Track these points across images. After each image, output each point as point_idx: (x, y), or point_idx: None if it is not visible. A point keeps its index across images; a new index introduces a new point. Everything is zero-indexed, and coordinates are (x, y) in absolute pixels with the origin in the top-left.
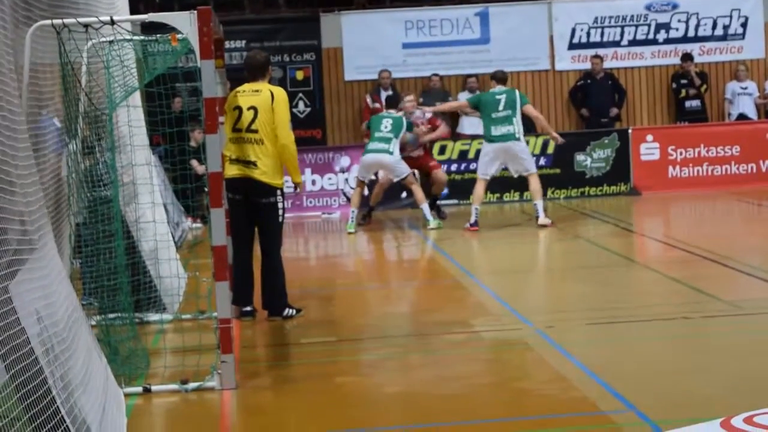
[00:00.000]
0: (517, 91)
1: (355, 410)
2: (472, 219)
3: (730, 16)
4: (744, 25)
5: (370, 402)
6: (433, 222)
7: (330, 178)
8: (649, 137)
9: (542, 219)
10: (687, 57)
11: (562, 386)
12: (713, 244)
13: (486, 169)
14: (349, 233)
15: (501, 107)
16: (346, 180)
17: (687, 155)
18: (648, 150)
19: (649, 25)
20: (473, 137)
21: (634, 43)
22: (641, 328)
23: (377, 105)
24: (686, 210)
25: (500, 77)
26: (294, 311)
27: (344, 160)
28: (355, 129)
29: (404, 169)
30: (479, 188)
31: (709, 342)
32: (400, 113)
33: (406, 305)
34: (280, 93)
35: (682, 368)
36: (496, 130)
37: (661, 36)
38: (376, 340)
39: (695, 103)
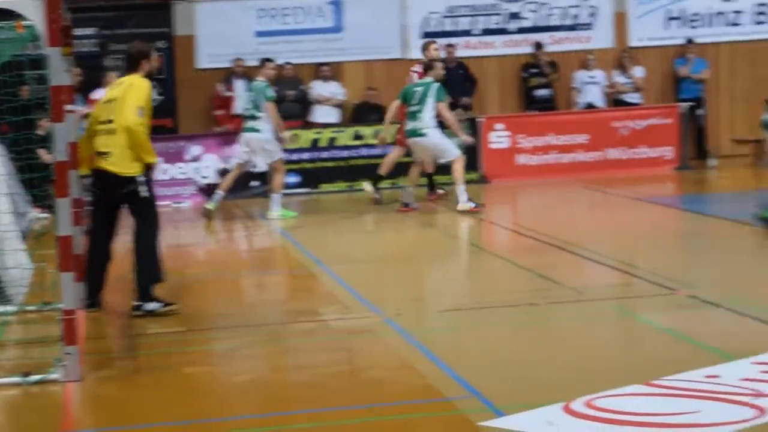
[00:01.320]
0: (433, 86)
1: (204, 400)
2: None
3: (580, 6)
4: (593, 15)
5: (221, 392)
6: (277, 213)
7: (181, 168)
8: (499, 126)
9: (462, 205)
10: (538, 46)
11: (409, 373)
12: (561, 231)
13: (414, 156)
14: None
15: (414, 100)
16: (197, 169)
17: (536, 143)
18: (498, 138)
19: (500, 15)
20: (325, 126)
21: (486, 32)
22: (488, 315)
23: (229, 93)
24: (535, 198)
25: (426, 67)
26: (159, 306)
27: (195, 149)
28: (206, 118)
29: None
30: (412, 171)
31: (554, 328)
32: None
33: (256, 295)
34: (136, 80)
35: (527, 354)
36: (407, 125)
37: (513, 25)
38: (226, 330)
39: (545, 91)
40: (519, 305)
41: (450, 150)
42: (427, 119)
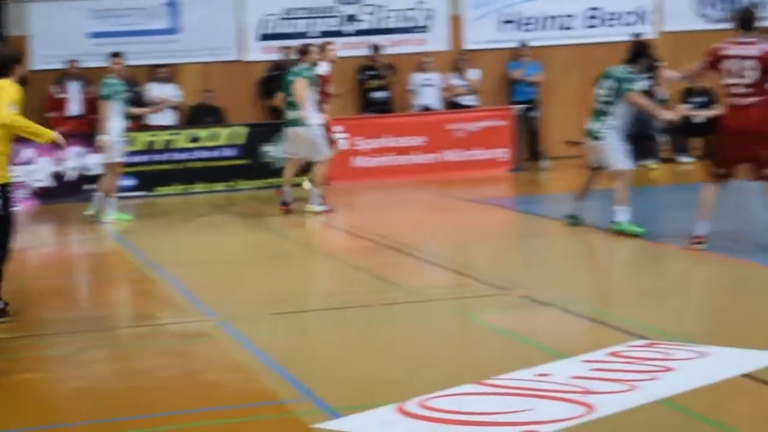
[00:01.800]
0: (304, 70)
1: (35, 407)
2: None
3: (416, 9)
4: (429, 18)
5: (52, 398)
6: (112, 216)
7: (13, 171)
8: (337, 128)
9: (312, 206)
10: (375, 48)
11: (244, 376)
12: (397, 233)
13: (288, 149)
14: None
15: (291, 90)
16: (30, 173)
17: (373, 145)
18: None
19: (338, 17)
20: (162, 128)
21: (323, 34)
22: (324, 316)
23: (63, 95)
24: (372, 200)
25: (301, 51)
26: None
27: (28, 153)
28: (39, 120)
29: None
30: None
31: (389, 329)
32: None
33: (91, 299)
34: (6, 84)
35: (362, 355)
36: (288, 115)
37: (350, 27)
38: (60, 335)
39: (382, 94)
40: (354, 307)
41: (323, 149)
42: (308, 110)
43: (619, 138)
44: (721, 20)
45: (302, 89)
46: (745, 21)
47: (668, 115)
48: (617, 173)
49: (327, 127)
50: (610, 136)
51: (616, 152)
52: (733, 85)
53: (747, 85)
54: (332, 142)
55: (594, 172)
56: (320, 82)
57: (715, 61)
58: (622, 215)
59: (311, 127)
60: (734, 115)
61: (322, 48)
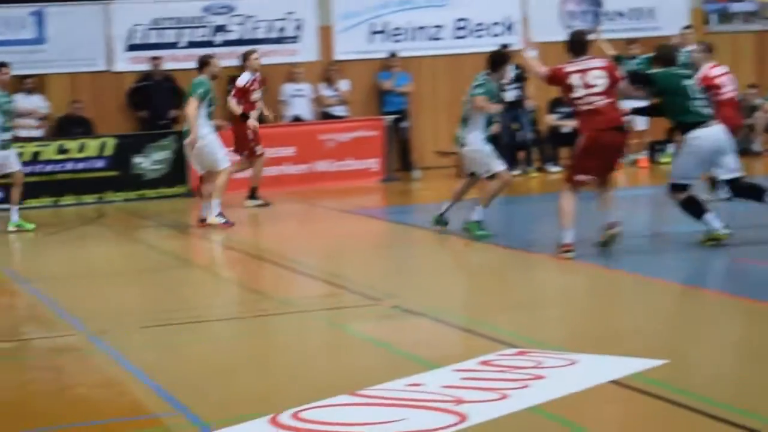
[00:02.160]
0: (194, 82)
1: None
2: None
3: (286, 19)
4: (299, 29)
5: None
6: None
7: None
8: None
9: (212, 218)
10: (245, 59)
11: (116, 391)
12: (269, 244)
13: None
14: None
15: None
16: None
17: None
18: None
19: (207, 27)
20: (29, 140)
21: (192, 45)
22: (197, 329)
23: None
24: (243, 211)
25: (200, 63)
26: None
27: None
28: None
29: None
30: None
31: (261, 340)
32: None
33: None
34: None
35: (235, 367)
36: (184, 127)
37: (219, 38)
38: None
39: None
40: (226, 319)
41: (221, 159)
42: (201, 121)
43: (483, 143)
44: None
45: (191, 107)
46: (576, 46)
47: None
48: (494, 176)
49: (254, 135)
50: (473, 142)
51: (484, 157)
52: (584, 95)
53: (598, 93)
54: (254, 153)
55: (470, 180)
56: (244, 89)
57: (558, 80)
58: (477, 215)
59: (201, 140)
60: (590, 121)
61: (246, 57)
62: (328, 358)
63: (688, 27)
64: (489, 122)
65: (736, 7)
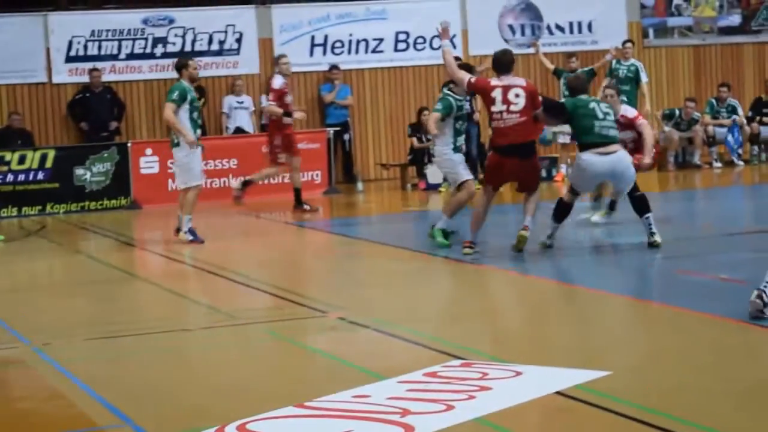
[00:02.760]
0: (172, 88)
1: None
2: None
3: (226, 32)
4: (239, 41)
5: None
6: None
7: None
8: (149, 150)
9: (180, 234)
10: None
11: (61, 403)
12: (214, 256)
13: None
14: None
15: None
16: None
17: None
18: (147, 163)
19: (146, 39)
20: None
21: (132, 56)
22: (141, 341)
23: None
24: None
25: (178, 67)
26: None
27: None
28: None
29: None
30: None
31: (207, 352)
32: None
33: None
34: None
35: (180, 380)
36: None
37: (159, 50)
38: None
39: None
40: (171, 331)
41: (194, 177)
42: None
43: (452, 152)
44: (523, 44)
45: (168, 112)
46: (498, 65)
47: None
48: (462, 186)
49: (289, 140)
50: (442, 152)
51: (453, 166)
52: (502, 111)
53: (514, 112)
54: (278, 161)
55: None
56: (280, 93)
57: (480, 90)
58: (441, 223)
59: (180, 150)
60: (497, 138)
61: (276, 61)
62: (274, 370)
63: (628, 41)
64: (459, 132)
65: (673, 22)
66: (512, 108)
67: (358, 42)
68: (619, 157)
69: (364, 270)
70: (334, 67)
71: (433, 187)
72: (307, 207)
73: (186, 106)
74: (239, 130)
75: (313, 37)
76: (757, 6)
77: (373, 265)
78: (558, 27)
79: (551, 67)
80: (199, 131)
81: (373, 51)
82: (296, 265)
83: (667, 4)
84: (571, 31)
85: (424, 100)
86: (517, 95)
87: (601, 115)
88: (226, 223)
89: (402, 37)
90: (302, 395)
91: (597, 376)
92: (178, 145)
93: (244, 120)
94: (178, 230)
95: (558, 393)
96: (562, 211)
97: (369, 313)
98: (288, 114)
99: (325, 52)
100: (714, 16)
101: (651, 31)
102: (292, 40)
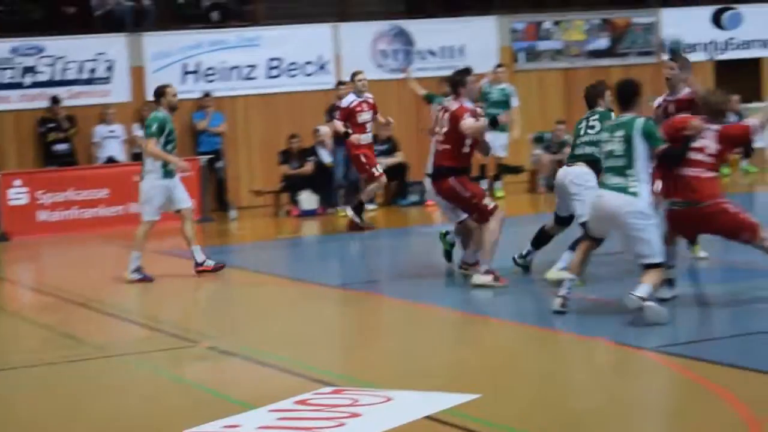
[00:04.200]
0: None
1: None
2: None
3: (96, 60)
4: (110, 69)
5: None
6: None
7: None
8: (18, 182)
9: (128, 274)
10: (54, 100)
11: None
12: (83, 287)
13: None
14: None
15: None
16: None
17: (56, 199)
18: (16, 195)
19: (15, 68)
20: None
21: (1, 86)
22: (6, 377)
23: None
24: (56, 255)
25: (156, 94)
26: None
27: None
28: None
29: None
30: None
31: (76, 386)
32: None
33: None
34: None
35: (48, 415)
36: None
37: (28, 79)
38: None
39: (64, 146)
40: (38, 365)
41: (147, 211)
42: (146, 162)
43: None
44: (396, 70)
45: (150, 147)
46: (453, 85)
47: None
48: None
49: (367, 158)
50: None
51: None
52: (435, 134)
53: (440, 136)
54: (373, 176)
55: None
56: (348, 112)
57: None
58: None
59: (144, 182)
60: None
61: (352, 78)
62: (143, 401)
63: (499, 65)
64: None
65: (543, 46)
66: (439, 131)
67: (230, 69)
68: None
69: (236, 298)
70: (206, 94)
71: (307, 214)
72: (358, 221)
73: (162, 139)
74: (111, 160)
75: (185, 65)
76: (624, 30)
77: (244, 293)
78: (430, 52)
79: (422, 92)
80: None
81: (246, 78)
82: (166, 295)
83: (537, 28)
84: (444, 56)
85: (296, 127)
86: (446, 120)
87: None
88: (96, 253)
89: (275, 63)
90: (173, 427)
91: (467, 400)
92: (143, 179)
93: (116, 149)
94: (199, 264)
95: (428, 417)
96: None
97: (240, 342)
98: (347, 134)
99: (197, 80)
100: (582, 40)
101: (522, 55)
102: (165, 68)
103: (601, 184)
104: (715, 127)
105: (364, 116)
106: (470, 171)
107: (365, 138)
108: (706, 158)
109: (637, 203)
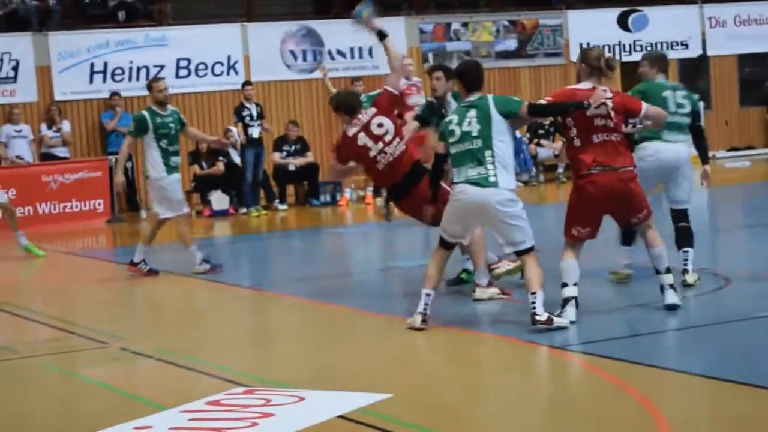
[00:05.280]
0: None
1: None
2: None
3: (2, 60)
4: (15, 69)
5: None
6: None
7: None
8: None
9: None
10: None
11: None
12: None
13: None
14: None
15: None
16: None
17: None
18: None
19: None
20: None
21: None
22: None
23: None
24: None
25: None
26: None
27: None
28: None
29: None
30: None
31: None
32: None
33: None
34: None
35: None
36: None
37: None
38: None
39: None
40: None
41: (173, 206)
42: (147, 162)
43: None
44: (305, 70)
45: (122, 146)
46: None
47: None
48: None
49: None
50: None
51: None
52: None
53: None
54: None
55: None
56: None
57: None
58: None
59: (157, 181)
60: None
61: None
62: (55, 404)
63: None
64: None
65: (452, 47)
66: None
67: (138, 69)
68: None
69: (147, 299)
70: (115, 94)
71: (219, 214)
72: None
73: (151, 135)
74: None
75: (92, 65)
76: (532, 31)
77: (156, 294)
78: (339, 52)
79: (334, 91)
80: (177, 159)
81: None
82: (78, 295)
83: (445, 29)
84: (353, 56)
85: (206, 127)
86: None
87: None
88: (2, 254)
89: (183, 63)
90: (83, 429)
91: (378, 399)
92: (148, 178)
93: (23, 149)
94: (204, 261)
95: (341, 417)
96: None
97: (151, 343)
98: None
99: (105, 80)
100: (491, 41)
101: (430, 56)
102: (71, 68)
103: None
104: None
105: (414, 99)
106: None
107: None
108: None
109: (502, 191)
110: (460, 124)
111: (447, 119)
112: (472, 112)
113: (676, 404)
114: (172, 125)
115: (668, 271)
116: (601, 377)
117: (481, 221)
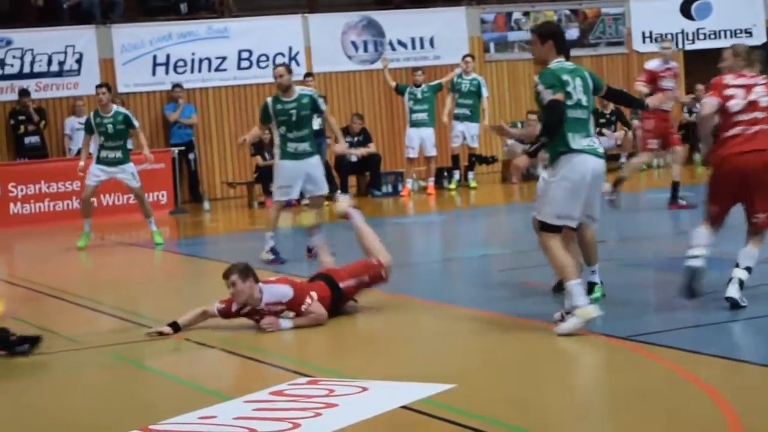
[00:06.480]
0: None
1: None
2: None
3: (66, 53)
4: (79, 62)
5: None
6: None
7: None
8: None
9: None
10: (24, 93)
11: None
12: (57, 280)
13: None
14: None
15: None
16: None
17: (28, 191)
18: None
19: None
20: None
21: None
22: None
23: None
24: (29, 247)
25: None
26: None
27: None
28: None
29: None
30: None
31: (49, 379)
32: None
33: None
34: None
35: (20, 410)
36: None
37: None
38: None
39: (34, 139)
40: (11, 358)
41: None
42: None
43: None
44: (366, 61)
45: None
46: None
47: None
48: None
49: (664, 128)
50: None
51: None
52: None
53: None
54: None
55: None
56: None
57: None
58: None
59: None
60: None
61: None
62: (118, 393)
63: (468, 55)
64: None
65: (513, 36)
66: None
67: (200, 61)
68: None
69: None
70: (177, 86)
71: None
72: (683, 202)
73: (273, 121)
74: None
75: (155, 57)
76: (593, 20)
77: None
78: (400, 43)
79: (393, 83)
80: (295, 145)
81: (216, 69)
82: (141, 286)
83: (506, 19)
84: (414, 47)
85: None
86: None
87: None
88: (69, 245)
89: (245, 55)
90: (147, 419)
91: (441, 389)
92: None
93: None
94: (309, 249)
95: (404, 407)
96: None
97: (214, 333)
98: (649, 94)
99: (167, 72)
100: None
101: (492, 46)
102: (134, 60)
103: None
104: None
105: (666, 82)
106: None
107: (666, 103)
108: None
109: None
110: (574, 90)
111: (564, 79)
112: (578, 81)
113: (742, 394)
114: (293, 112)
115: (748, 269)
116: (663, 366)
117: (590, 195)
